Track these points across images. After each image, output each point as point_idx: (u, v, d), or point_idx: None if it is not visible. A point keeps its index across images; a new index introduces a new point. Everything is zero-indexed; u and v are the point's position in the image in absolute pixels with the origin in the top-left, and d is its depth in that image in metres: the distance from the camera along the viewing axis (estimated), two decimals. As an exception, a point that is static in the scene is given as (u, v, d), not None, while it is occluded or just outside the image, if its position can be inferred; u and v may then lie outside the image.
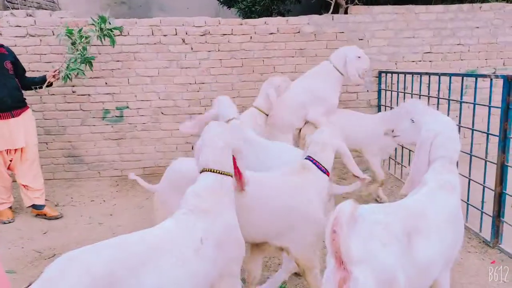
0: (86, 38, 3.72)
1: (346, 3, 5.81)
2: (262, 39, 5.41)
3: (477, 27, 5.70)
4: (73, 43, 3.76)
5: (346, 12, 5.68)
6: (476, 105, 3.40)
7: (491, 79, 3.18)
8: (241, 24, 5.36)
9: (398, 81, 5.08)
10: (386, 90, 5.44)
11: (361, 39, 5.53)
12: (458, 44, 5.72)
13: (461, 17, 5.63)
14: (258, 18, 5.65)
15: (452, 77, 3.75)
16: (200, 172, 1.90)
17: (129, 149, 5.45)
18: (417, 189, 1.90)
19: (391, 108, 4.94)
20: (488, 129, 3.24)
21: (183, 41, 5.30)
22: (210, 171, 1.85)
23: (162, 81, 5.35)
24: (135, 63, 5.26)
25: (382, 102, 5.56)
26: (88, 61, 3.71)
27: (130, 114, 5.37)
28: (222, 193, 1.83)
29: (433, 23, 5.60)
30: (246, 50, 5.41)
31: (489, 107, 3.23)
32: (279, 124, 4.19)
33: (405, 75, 4.98)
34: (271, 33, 5.41)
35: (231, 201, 1.86)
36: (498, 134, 3.07)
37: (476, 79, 3.38)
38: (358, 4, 5.74)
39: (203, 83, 5.44)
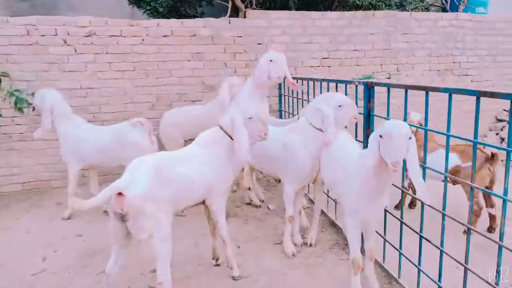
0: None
1: (246, 7, 5.72)
2: (156, 41, 5.12)
3: (371, 34, 5.91)
4: None
5: (244, 17, 5.58)
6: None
7: (356, 86, 3.19)
8: (132, 26, 5.02)
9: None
10: (285, 95, 5.40)
11: (260, 44, 5.46)
12: (354, 50, 5.87)
13: (356, 23, 5.79)
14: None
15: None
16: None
17: (5, 162, 4.86)
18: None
19: (292, 114, 4.89)
20: (356, 135, 3.25)
21: (65, 42, 4.84)
22: (220, 128, 2.82)
23: (42, 86, 4.83)
24: (8, 66, 4.69)
25: (283, 107, 5.53)
26: None
27: (4, 123, 4.78)
28: (219, 141, 2.79)
29: (329, 29, 5.69)
30: (138, 53, 5.08)
31: (356, 113, 3.24)
32: None
33: (302, 81, 4.95)
34: (165, 36, 5.14)
35: (224, 150, 2.78)
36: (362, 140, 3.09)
37: (346, 85, 3.39)
38: (255, 9, 5.67)
39: (90, 88, 5.02)
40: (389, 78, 6.08)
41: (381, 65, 6.06)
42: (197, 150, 2.74)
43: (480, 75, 6.59)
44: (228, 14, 5.60)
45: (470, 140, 2.15)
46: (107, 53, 4.98)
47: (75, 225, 3.99)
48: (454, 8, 7.79)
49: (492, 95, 1.81)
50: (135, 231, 2.26)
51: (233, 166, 2.84)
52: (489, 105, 6.65)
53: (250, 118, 2.74)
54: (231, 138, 2.74)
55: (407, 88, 2.53)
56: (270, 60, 3.49)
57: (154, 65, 5.16)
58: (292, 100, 5.06)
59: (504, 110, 6.66)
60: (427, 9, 7.05)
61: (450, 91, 2.12)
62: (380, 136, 2.10)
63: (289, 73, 3.66)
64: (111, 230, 2.37)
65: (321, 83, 4.04)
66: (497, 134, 6.48)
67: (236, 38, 5.38)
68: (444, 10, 8.07)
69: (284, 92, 5.45)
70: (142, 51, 5.08)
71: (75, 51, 4.89)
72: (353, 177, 2.40)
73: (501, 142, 6.31)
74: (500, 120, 6.65)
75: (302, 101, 4.64)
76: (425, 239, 2.46)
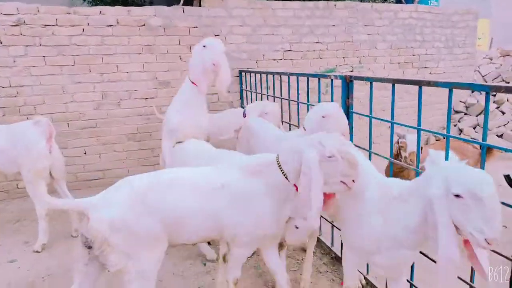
0: None
1: (200, -6, 5.22)
2: (99, 32, 4.49)
3: (333, 25, 5.67)
4: None
5: (200, 5, 5.09)
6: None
7: (332, 80, 2.88)
8: (69, 13, 4.36)
9: (261, 81, 4.65)
10: (247, 90, 5.02)
11: (218, 35, 5.01)
12: (316, 42, 5.61)
13: (318, 14, 5.52)
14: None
15: (310, 77, 3.37)
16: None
17: None
18: None
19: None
20: (332, 135, 2.94)
21: (-13, 32, 4.10)
22: (277, 160, 1.93)
23: (-41, 85, 4.07)
24: None
25: (245, 103, 5.15)
26: None
27: None
28: (268, 176, 1.94)
29: (291, 20, 5.37)
30: (78, 45, 4.43)
31: (332, 110, 2.93)
32: None
33: (267, 75, 4.55)
34: (110, 25, 4.53)
35: (271, 190, 1.93)
36: (341, 140, 2.77)
37: (319, 79, 3.07)
38: (212, -4, 5.20)
39: (21, 85, 4.31)
40: (351, 71, 5.91)
41: (343, 58, 5.85)
42: (231, 174, 1.98)
43: (437, 67, 6.62)
44: (181, 2, 5.08)
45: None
46: (40, 45, 4.29)
47: (6, 248, 3.36)
48: (409, 1, 7.81)
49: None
50: (102, 260, 1.82)
51: (278, 217, 1.99)
52: (447, 97, 6.71)
53: (330, 157, 1.75)
54: (286, 178, 1.89)
55: (394, 82, 2.24)
56: (204, 46, 2.92)
57: (97, 58, 4.54)
58: (256, 95, 4.69)
59: (461, 101, 6.76)
60: (385, 1, 6.97)
61: (450, 86, 1.85)
62: (458, 195, 1.41)
63: (226, 63, 2.94)
64: (75, 253, 1.92)
65: (288, 77, 3.69)
66: (455, 125, 6.56)
67: (191, 29, 4.88)
68: (398, 2, 8.08)
69: (246, 87, 5.06)
70: (83, 43, 4.44)
71: (1, 43, 4.15)
72: (369, 209, 1.82)
73: (459, 133, 6.39)
74: (457, 112, 6.74)
75: (267, 97, 4.28)
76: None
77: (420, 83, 2.01)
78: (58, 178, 3.31)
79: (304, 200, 1.74)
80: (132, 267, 1.81)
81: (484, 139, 1.73)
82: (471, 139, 2.03)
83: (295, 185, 1.89)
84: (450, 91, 1.86)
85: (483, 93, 6.76)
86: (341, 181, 1.78)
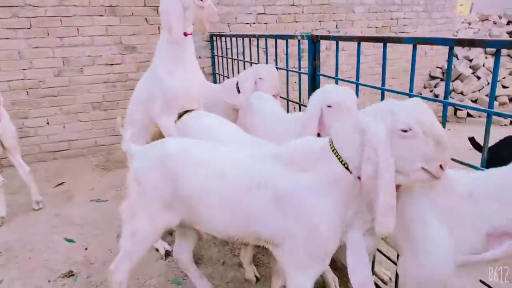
0: None
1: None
2: (55, -9, 4.17)
3: (309, -13, 5.44)
4: None
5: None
6: (298, 73, 2.90)
7: (299, 40, 2.73)
8: (20, -30, 4.01)
9: (231, 46, 4.42)
10: (218, 56, 4.81)
11: (186, -4, 4.72)
12: (292, 5, 5.38)
13: (293, -26, 5.27)
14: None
15: (289, 40, 3.13)
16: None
17: None
18: None
19: (227, 76, 4.33)
20: (299, 99, 2.83)
21: None
22: (331, 144, 1.39)
23: None
24: None
25: (217, 70, 4.95)
26: None
27: None
28: (321, 166, 1.40)
29: (264, -20, 5.11)
30: (33, 5, 4.11)
31: (299, 73, 2.80)
32: None
33: (237, 38, 4.32)
34: (67, -16, 4.20)
35: (328, 185, 1.38)
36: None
37: (287, 40, 2.92)
38: (179, -47, 4.86)
39: (-28, 51, 4.01)
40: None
41: (320, 21, 5.66)
42: (270, 168, 1.50)
43: (415, 31, 6.49)
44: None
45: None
46: (-9, 5, 3.96)
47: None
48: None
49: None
50: None
51: (339, 224, 1.44)
52: (424, 63, 6.65)
53: (406, 132, 1.23)
54: (347, 168, 1.35)
55: (360, 40, 2.11)
56: None
57: (56, 21, 4.23)
58: (227, 61, 4.50)
59: (438, 67, 6.71)
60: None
61: (413, 42, 1.74)
62: None
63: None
64: None
65: (258, 39, 3.51)
66: (431, 91, 6.54)
67: (157, -11, 4.58)
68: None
69: (217, 53, 4.85)
70: (39, 3, 4.12)
71: None
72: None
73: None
74: (433, 78, 6.70)
75: (238, 62, 4.11)
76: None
77: (384, 40, 1.89)
78: (9, 148, 3.12)
79: (369, 195, 1.27)
80: (131, 224, 1.77)
81: (446, 97, 1.65)
82: (434, 98, 1.93)
83: (359, 178, 1.31)
84: (414, 47, 1.75)
85: (460, 57, 6.74)
86: (422, 168, 1.25)
